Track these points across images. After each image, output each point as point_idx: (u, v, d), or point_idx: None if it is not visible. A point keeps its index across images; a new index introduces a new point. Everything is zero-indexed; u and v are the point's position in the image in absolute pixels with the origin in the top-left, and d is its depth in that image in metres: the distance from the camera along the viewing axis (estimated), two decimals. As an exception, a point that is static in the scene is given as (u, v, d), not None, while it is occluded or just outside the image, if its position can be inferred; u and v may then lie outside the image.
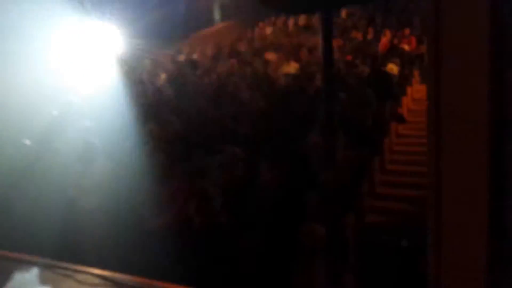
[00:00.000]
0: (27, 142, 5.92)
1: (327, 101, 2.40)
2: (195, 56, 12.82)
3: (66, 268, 3.36)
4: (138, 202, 4.82)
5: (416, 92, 9.31)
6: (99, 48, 11.15)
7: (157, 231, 4.61)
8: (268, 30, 15.75)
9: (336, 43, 11.05)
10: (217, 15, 22.53)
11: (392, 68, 9.18)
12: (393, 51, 10.59)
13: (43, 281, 3.25)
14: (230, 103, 7.24)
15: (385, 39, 11.53)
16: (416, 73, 10.02)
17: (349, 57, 10.39)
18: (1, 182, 5.17)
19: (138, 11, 15.53)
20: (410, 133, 8.01)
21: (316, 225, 3.94)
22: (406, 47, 11.04)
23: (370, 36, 12.34)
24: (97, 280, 3.20)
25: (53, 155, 5.43)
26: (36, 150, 5.77)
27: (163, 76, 10.78)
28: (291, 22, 14.82)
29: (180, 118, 6.94)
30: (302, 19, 13.95)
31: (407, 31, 11.96)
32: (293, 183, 4.55)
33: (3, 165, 5.38)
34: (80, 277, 3.23)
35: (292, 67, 10.24)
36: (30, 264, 3.47)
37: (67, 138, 5.87)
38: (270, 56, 11.79)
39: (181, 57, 12.45)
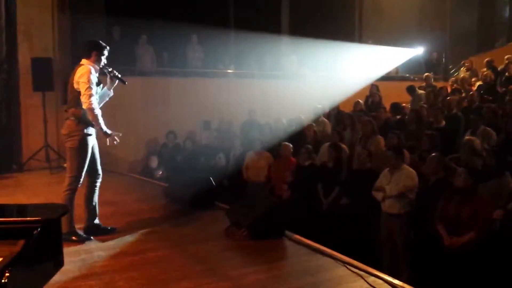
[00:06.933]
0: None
1: None
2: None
3: (359, 268, 3.57)
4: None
5: None
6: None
7: (456, 250, 4.32)
8: None
9: None
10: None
11: None
12: None
13: (336, 274, 3.53)
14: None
15: None
16: None
17: None
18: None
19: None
20: None
21: None
22: None
23: None
24: (386, 287, 3.27)
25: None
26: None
27: (477, 83, 9.98)
28: None
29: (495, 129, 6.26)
30: None
31: None
32: None
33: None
34: (370, 279, 3.38)
35: None
36: (325, 255, 3.85)
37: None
38: None
39: (500, 64, 11.20)
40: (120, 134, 4.23)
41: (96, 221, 4.44)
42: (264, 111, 9.49)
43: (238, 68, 11.26)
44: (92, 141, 4.28)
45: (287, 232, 4.34)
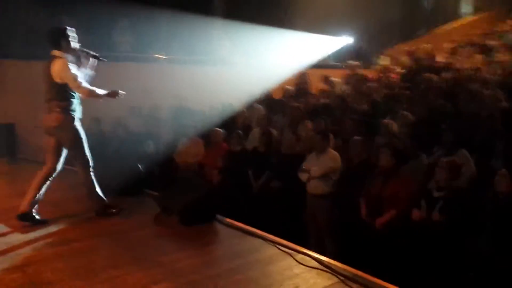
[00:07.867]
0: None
1: None
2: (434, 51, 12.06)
3: (288, 247, 3.69)
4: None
5: None
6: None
7: (379, 228, 4.60)
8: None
9: None
10: (465, 8, 20.62)
11: None
12: None
13: (266, 254, 3.62)
14: (469, 101, 6.58)
15: None
16: None
17: None
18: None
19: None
20: None
21: None
22: None
23: None
24: (314, 263, 3.42)
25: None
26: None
27: (398, 71, 10.53)
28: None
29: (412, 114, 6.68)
30: None
31: None
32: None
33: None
34: (298, 257, 3.51)
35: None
36: (256, 236, 3.94)
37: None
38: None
39: (419, 53, 11.88)
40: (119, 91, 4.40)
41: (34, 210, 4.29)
42: (195, 97, 9.38)
43: (169, 54, 11.05)
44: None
45: (218, 216, 4.38)
